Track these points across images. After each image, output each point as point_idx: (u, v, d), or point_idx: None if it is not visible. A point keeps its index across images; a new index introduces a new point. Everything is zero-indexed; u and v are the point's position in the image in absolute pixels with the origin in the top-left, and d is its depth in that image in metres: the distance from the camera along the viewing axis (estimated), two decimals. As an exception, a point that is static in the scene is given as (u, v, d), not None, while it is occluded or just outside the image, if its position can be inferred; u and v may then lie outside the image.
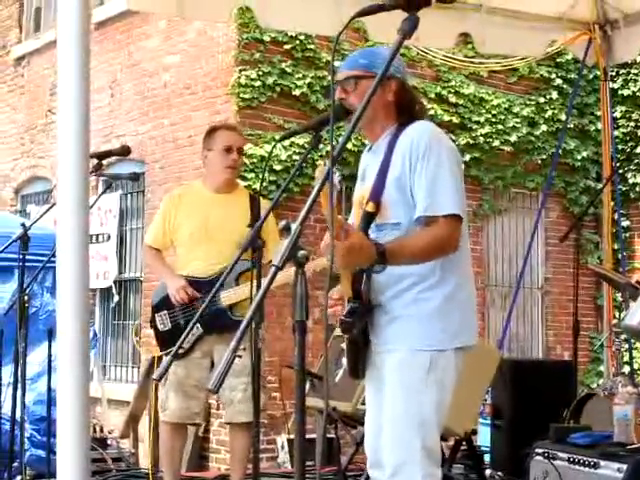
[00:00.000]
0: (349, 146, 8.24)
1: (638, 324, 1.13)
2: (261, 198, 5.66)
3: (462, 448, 6.20)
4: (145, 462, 7.55)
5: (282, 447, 8.77)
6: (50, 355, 6.83)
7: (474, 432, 6.17)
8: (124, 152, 5.20)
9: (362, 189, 3.73)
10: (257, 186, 8.40)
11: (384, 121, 3.65)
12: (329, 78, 9.54)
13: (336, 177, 2.97)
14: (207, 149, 5.61)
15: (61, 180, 1.42)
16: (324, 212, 3.04)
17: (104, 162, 5.24)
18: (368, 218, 3.55)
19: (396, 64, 3.53)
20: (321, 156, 8.32)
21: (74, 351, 1.37)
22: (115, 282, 10.80)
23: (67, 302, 1.39)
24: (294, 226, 2.60)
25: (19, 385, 5.75)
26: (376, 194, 3.57)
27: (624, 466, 4.00)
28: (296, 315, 2.59)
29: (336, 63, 3.66)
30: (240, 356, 4.67)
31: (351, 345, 3.62)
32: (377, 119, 3.64)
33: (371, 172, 3.66)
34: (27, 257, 5.59)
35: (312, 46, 9.45)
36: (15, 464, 6.17)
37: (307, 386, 6.19)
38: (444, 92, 10.22)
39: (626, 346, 8.69)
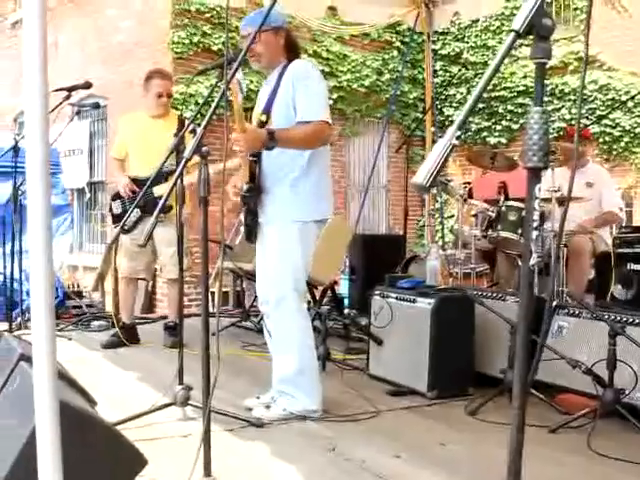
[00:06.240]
0: (252, 86, 8.13)
1: (421, 181, 1.14)
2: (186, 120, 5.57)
3: (328, 295, 6.33)
4: (109, 308, 7.53)
5: (207, 297, 8.81)
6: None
7: (336, 283, 6.28)
8: (87, 86, 5.06)
9: (258, 110, 3.72)
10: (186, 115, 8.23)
11: (278, 58, 3.65)
12: (238, 38, 9.30)
13: (240, 77, 2.98)
14: (145, 90, 5.56)
15: (28, 113, 1.38)
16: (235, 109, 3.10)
17: (73, 94, 5.10)
18: (261, 126, 3.55)
19: (282, 18, 3.69)
20: (219, 83, 8.14)
21: (41, 235, 1.35)
22: (87, 183, 10.58)
23: (36, 201, 1.35)
24: (199, 129, 2.58)
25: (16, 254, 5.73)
26: (267, 108, 3.59)
27: (432, 300, 4.12)
28: (200, 192, 2.57)
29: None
30: (162, 221, 4.64)
31: (248, 215, 3.62)
32: (274, 57, 3.64)
33: (265, 97, 3.67)
34: (18, 164, 5.45)
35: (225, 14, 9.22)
36: (17, 310, 6.16)
37: (222, 254, 6.21)
38: (318, 50, 10.04)
39: (440, 227, 8.90)
